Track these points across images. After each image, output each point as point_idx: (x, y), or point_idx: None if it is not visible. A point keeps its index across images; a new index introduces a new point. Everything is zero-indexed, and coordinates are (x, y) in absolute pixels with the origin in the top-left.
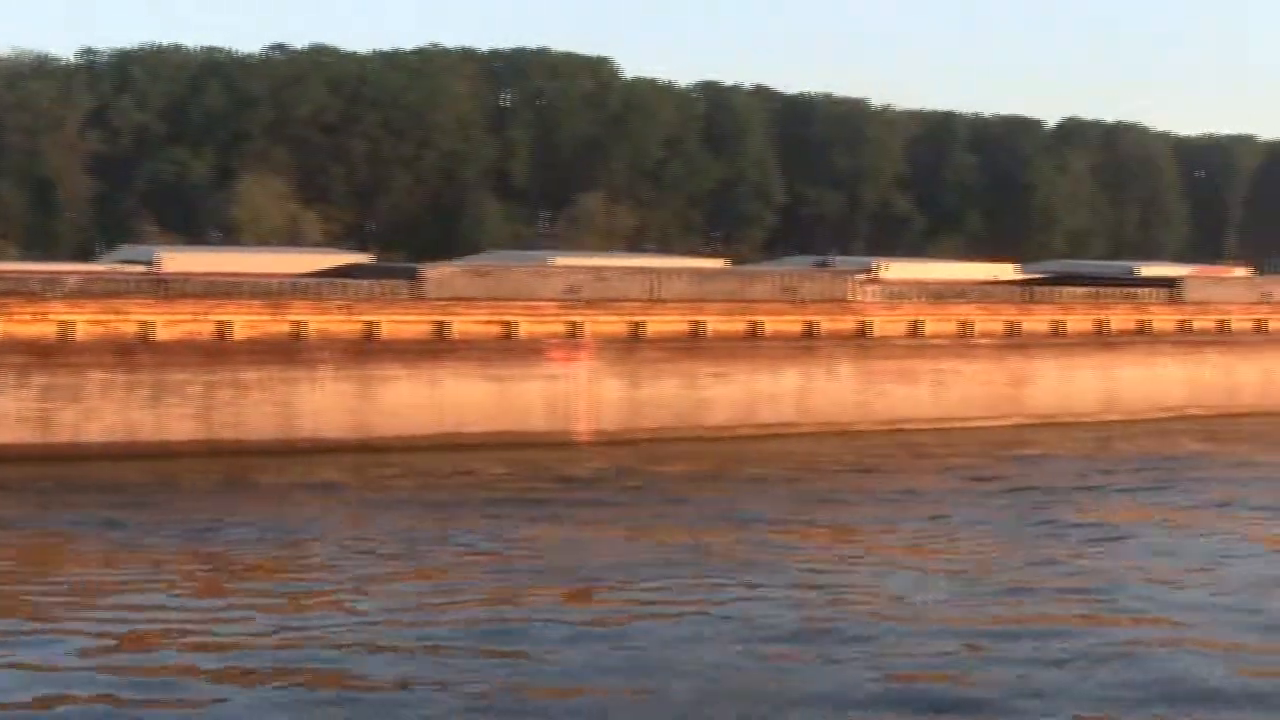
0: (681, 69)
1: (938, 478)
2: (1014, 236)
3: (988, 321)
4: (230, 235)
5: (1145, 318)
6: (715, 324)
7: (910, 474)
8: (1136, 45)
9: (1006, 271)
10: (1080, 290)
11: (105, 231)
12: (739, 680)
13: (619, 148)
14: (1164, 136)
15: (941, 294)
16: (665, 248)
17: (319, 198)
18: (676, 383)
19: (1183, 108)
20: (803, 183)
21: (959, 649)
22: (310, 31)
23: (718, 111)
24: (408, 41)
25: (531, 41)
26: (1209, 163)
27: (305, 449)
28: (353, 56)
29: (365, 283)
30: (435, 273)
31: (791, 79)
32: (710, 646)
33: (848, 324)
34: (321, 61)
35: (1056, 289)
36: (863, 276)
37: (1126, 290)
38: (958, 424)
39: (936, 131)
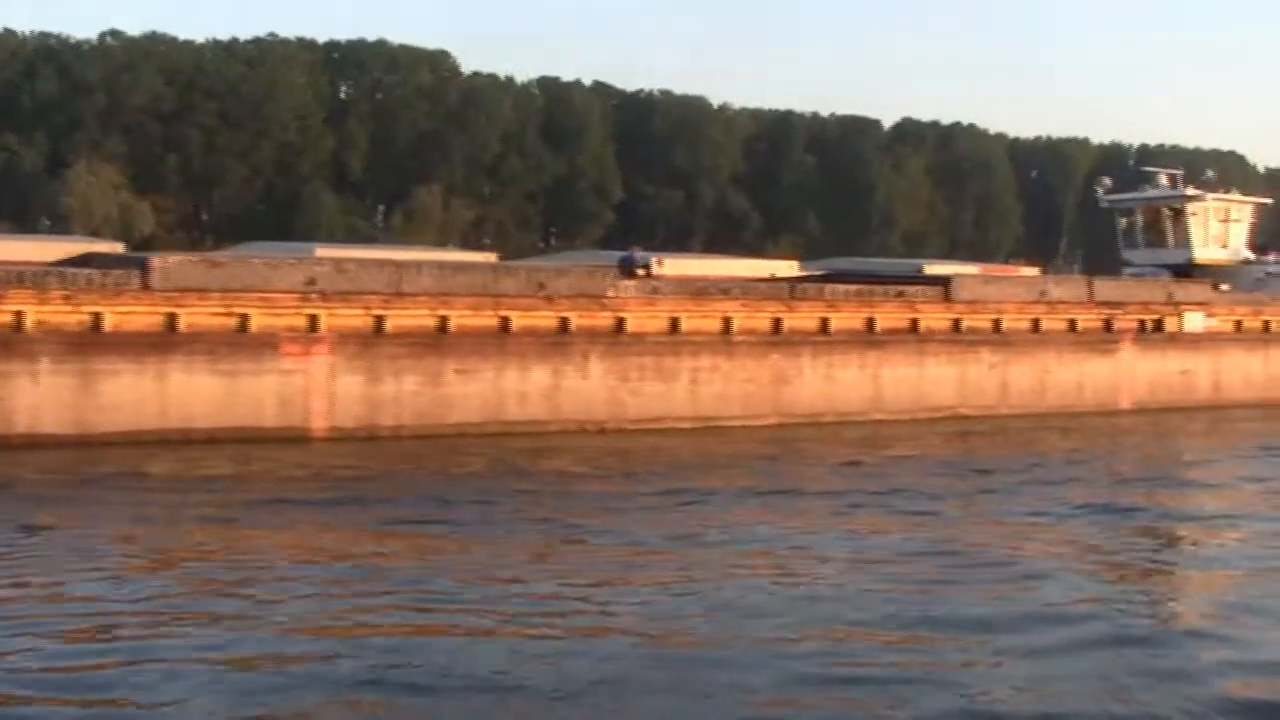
0: (521, 64)
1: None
2: (853, 236)
3: (750, 319)
4: (61, 224)
5: (915, 316)
6: (461, 319)
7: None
8: (972, 46)
9: (790, 269)
10: (849, 288)
11: None
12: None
13: (457, 142)
14: (999, 138)
15: (705, 290)
16: (501, 243)
17: (153, 187)
18: (419, 379)
19: (1017, 110)
20: (641, 180)
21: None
22: (146, 18)
23: (556, 107)
24: (245, 30)
25: (370, 33)
26: (1043, 164)
27: (20, 445)
28: (189, 45)
29: (92, 272)
30: (163, 263)
31: (630, 76)
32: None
33: (604, 320)
34: (157, 49)
35: (822, 286)
36: (641, 272)
37: (899, 288)
38: (716, 423)
39: (774, 131)
